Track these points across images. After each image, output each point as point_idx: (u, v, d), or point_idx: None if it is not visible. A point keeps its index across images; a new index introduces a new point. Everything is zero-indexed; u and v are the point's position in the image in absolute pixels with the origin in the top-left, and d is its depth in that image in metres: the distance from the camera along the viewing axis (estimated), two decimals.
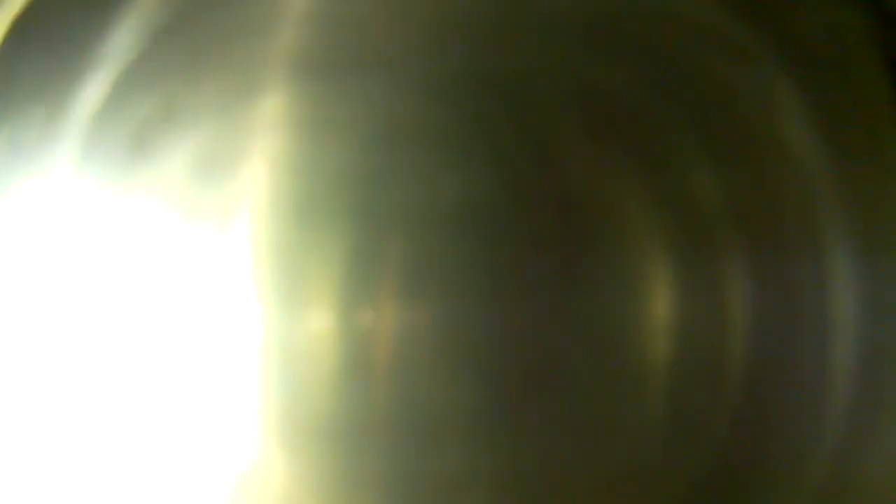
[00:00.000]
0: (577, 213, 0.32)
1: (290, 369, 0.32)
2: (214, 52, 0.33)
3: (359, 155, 0.32)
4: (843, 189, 0.33)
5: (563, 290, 0.32)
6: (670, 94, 0.33)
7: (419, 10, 0.33)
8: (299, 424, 0.32)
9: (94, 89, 0.33)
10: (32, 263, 0.33)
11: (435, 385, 0.31)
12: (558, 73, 0.33)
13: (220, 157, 0.32)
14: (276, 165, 0.32)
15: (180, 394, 0.32)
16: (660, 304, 0.32)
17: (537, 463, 0.32)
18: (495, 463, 0.32)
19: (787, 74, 0.33)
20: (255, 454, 0.32)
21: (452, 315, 0.32)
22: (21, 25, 0.34)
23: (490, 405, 0.32)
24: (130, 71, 0.33)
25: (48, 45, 0.34)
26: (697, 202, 0.33)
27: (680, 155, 0.33)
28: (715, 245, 0.32)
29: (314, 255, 0.32)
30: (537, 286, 0.32)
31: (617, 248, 0.32)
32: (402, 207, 0.32)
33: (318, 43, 0.33)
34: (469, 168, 0.32)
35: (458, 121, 0.32)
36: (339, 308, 0.31)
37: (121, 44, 0.33)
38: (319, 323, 0.31)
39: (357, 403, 0.31)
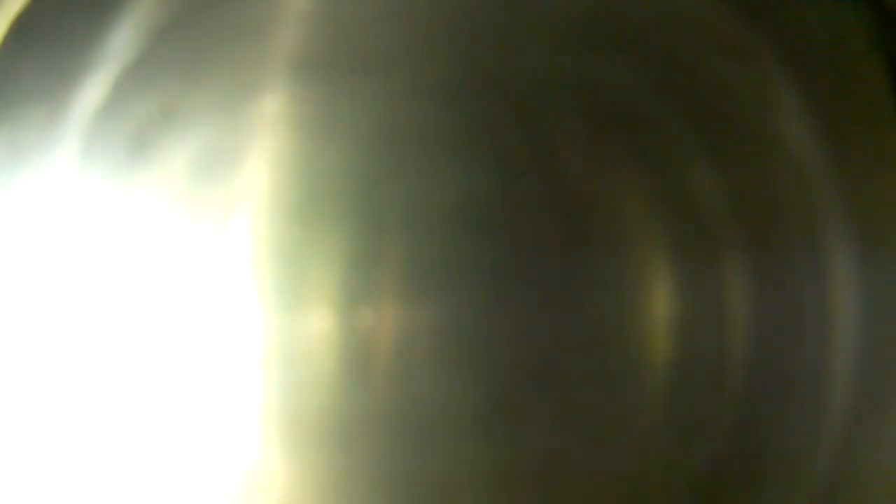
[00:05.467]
0: (577, 212, 0.32)
1: (291, 369, 0.32)
2: (214, 52, 0.33)
3: (359, 155, 0.32)
4: (842, 188, 0.33)
5: (563, 289, 0.32)
6: (670, 93, 0.33)
7: (419, 11, 0.33)
8: (299, 424, 0.32)
9: (94, 89, 0.33)
10: (33, 263, 0.33)
11: (435, 385, 0.31)
12: (558, 72, 0.33)
13: (220, 157, 0.32)
14: (276, 165, 0.32)
15: (180, 393, 0.32)
16: (660, 304, 0.32)
17: (537, 462, 0.32)
18: (495, 462, 0.32)
19: (787, 74, 0.33)
20: (256, 454, 0.32)
21: (453, 315, 0.32)
22: (21, 25, 0.34)
23: (490, 405, 0.32)
24: (130, 71, 0.33)
25: (48, 45, 0.34)
26: (697, 201, 0.33)
27: (680, 154, 0.33)
28: (715, 245, 0.32)
29: (314, 254, 0.32)
30: (537, 286, 0.32)
31: (617, 248, 0.32)
32: (402, 207, 0.32)
33: (318, 43, 0.33)
34: (469, 168, 0.32)
35: (458, 121, 0.32)
36: (339, 308, 0.31)
37: (121, 44, 0.33)
38: (319, 323, 0.31)
39: (357, 403, 0.31)
